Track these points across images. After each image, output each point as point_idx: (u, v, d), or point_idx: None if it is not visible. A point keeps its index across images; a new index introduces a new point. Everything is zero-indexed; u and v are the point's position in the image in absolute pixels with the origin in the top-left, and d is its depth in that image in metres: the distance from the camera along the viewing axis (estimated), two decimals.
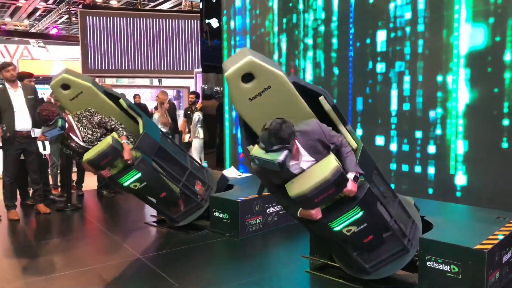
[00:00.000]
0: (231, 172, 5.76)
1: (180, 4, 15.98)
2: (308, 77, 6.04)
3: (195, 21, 11.79)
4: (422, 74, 4.51)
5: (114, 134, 3.85)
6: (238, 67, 2.77)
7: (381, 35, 4.82)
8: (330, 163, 2.50)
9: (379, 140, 4.90)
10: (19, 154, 4.97)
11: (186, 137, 7.88)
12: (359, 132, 5.10)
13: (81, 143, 3.96)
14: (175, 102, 12.75)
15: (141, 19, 13.10)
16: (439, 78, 4.35)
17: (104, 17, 12.97)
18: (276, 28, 6.49)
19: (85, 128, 3.94)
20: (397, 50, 4.70)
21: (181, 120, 8.98)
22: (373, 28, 4.89)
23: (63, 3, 15.49)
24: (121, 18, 13.06)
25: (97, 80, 17.49)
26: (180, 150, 4.74)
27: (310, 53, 6.02)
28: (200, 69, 9.03)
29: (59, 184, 6.25)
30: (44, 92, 12.65)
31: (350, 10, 5.13)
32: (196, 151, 7.41)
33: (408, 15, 4.59)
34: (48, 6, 16.63)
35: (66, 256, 3.85)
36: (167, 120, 7.25)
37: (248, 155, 2.68)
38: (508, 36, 3.88)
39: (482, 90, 4.07)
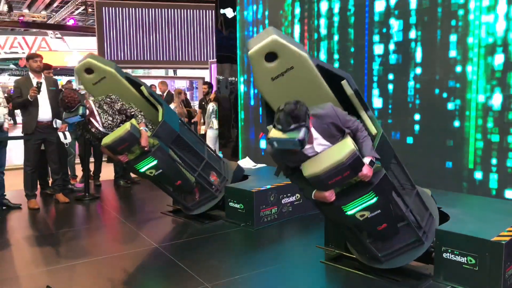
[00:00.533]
0: (246, 163, 5.78)
1: None
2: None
3: (210, 11, 11.75)
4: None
5: (133, 120, 3.93)
6: (261, 46, 2.77)
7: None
8: (346, 146, 2.50)
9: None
10: (40, 144, 5.07)
11: (202, 129, 7.91)
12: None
13: (101, 129, 4.06)
14: (188, 93, 12.78)
15: (157, 9, 13.13)
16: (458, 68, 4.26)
17: (120, 8, 13.03)
18: (290, 18, 6.43)
19: (105, 114, 4.03)
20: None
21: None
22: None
23: None
24: (137, 9, 13.11)
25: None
26: (199, 139, 4.76)
27: (324, 43, 5.95)
28: (215, 60, 9.02)
29: (76, 174, 6.37)
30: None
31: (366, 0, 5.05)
32: (210, 142, 7.44)
33: None
34: None
35: (85, 245, 3.94)
36: (182, 110, 7.29)
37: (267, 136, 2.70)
38: None
39: None
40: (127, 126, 3.77)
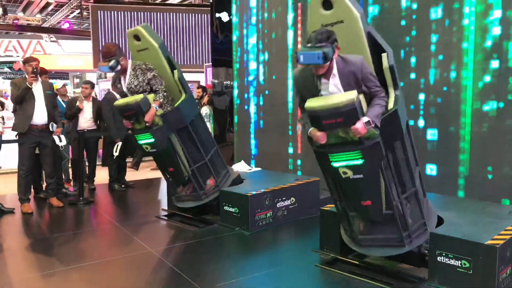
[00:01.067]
0: (241, 166, 5.78)
1: None
2: None
3: (206, 15, 11.79)
4: None
5: (152, 95, 4.08)
6: None
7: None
8: (350, 94, 2.59)
9: None
10: (34, 147, 5.04)
11: None
12: None
13: (124, 89, 4.26)
14: None
15: (152, 13, 13.13)
16: None
17: (116, 12, 13.03)
18: (287, 22, 6.45)
19: (133, 78, 4.18)
20: None
21: None
22: None
23: None
24: (132, 13, 13.11)
25: (111, 74, 17.65)
26: (211, 142, 4.65)
27: None
28: (210, 63, 9.03)
29: (70, 178, 6.34)
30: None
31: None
32: None
33: None
34: (60, 0, 16.76)
35: (79, 249, 3.91)
36: None
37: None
38: None
39: None
40: (139, 96, 3.94)
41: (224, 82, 7.82)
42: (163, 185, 5.98)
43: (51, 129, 4.97)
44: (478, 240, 2.74)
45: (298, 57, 2.60)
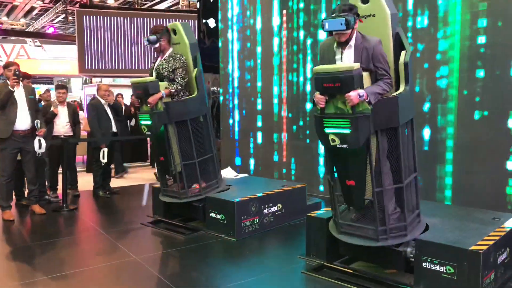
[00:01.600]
0: (227, 173, 5.75)
1: (178, 3, 15.96)
2: (308, 73, 6.05)
3: (193, 20, 11.76)
4: None
5: (165, 83, 4.30)
6: None
7: None
8: (352, 64, 2.80)
9: None
10: (16, 153, 4.95)
11: None
12: None
13: (154, 66, 4.51)
14: None
15: (139, 18, 13.08)
16: None
17: (101, 17, 12.94)
18: (273, 29, 6.48)
19: (165, 62, 4.41)
20: None
21: None
22: None
23: (60, 2, 15.45)
24: (118, 18, 13.03)
25: (97, 80, 17.46)
26: (208, 146, 4.61)
27: (309, 51, 6.03)
28: None
29: (56, 186, 6.23)
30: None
31: None
32: None
33: None
34: (45, 5, 16.59)
35: (62, 257, 3.83)
36: None
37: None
38: None
39: None
40: (151, 79, 4.22)
41: (212, 88, 7.81)
42: (149, 191, 5.93)
43: (36, 127, 4.90)
44: (462, 245, 2.76)
45: (324, 24, 2.89)
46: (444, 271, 2.79)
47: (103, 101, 6.16)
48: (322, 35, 5.73)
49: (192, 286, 3.15)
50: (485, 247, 2.72)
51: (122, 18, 12.88)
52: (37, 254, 3.93)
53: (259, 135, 6.87)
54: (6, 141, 4.84)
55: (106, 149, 5.86)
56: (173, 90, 4.29)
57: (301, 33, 6.07)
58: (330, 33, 3.05)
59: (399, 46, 3.10)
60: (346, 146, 2.85)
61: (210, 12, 7.62)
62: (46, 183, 5.99)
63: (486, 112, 4.27)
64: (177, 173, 4.40)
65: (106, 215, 5.53)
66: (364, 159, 2.93)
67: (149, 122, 4.26)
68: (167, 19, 12.92)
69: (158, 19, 12.79)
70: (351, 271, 3.24)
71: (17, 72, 4.75)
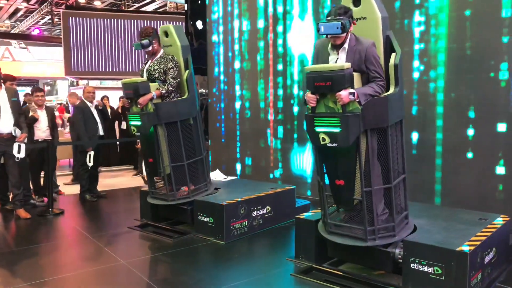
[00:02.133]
0: (216, 175, 5.73)
1: (165, 5, 15.90)
2: (296, 77, 6.06)
3: (180, 22, 11.74)
4: None
5: (157, 84, 4.30)
6: None
7: None
8: (343, 64, 2.84)
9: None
10: (0, 157, 4.86)
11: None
12: None
13: (144, 70, 4.50)
14: None
15: (125, 20, 12.98)
16: None
17: (88, 18, 12.81)
18: (260, 31, 6.49)
19: (156, 63, 4.40)
20: None
21: None
22: None
23: (45, 4, 15.28)
24: (105, 20, 12.92)
25: (83, 82, 17.27)
26: (199, 149, 4.57)
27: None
28: None
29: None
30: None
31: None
32: None
33: None
34: (30, 6, 16.38)
35: (47, 263, 3.77)
36: None
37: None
38: None
39: None
40: (140, 79, 4.21)
41: (200, 90, 7.77)
42: (136, 195, 5.87)
43: (13, 134, 4.78)
44: (450, 246, 2.78)
45: (319, 28, 2.93)
46: (432, 272, 2.80)
47: (89, 104, 6.09)
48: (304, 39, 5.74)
49: None
50: (472, 248, 2.75)
51: (108, 20, 12.77)
52: (21, 259, 3.86)
53: (246, 138, 6.86)
54: None
55: (92, 153, 5.79)
56: (163, 91, 4.28)
57: (287, 36, 6.09)
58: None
59: (389, 49, 3.13)
60: (336, 144, 2.88)
61: (198, 14, 7.59)
62: (31, 187, 5.89)
63: (472, 114, 4.31)
64: (166, 175, 4.37)
65: (92, 219, 5.45)
66: (353, 158, 2.95)
67: (138, 123, 4.24)
68: (155, 21, 12.86)
69: (145, 21, 12.71)
70: (340, 273, 3.25)
71: None
